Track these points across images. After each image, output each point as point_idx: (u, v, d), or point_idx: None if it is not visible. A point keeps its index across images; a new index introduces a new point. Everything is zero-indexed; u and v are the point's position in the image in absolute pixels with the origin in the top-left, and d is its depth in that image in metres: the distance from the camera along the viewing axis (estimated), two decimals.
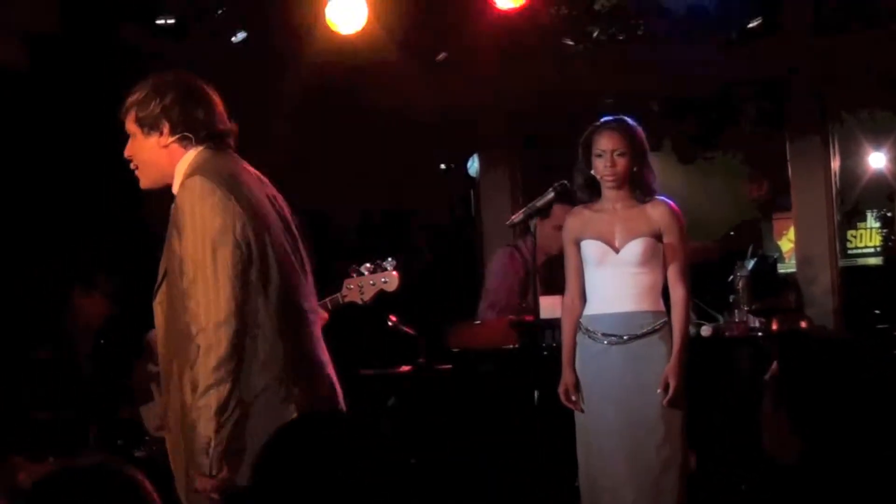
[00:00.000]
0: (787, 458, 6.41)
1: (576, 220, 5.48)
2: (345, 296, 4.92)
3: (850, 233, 8.64)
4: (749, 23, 7.55)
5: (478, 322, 6.94)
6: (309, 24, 7.35)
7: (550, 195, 5.76)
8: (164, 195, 4.02)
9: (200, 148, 3.93)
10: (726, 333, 6.63)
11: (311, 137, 8.07)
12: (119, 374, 7.05)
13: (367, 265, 4.90)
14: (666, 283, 5.38)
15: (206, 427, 3.70)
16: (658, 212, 5.38)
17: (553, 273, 6.35)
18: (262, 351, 3.80)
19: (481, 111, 8.37)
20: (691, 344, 5.41)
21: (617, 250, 5.35)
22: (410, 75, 7.65)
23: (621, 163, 5.37)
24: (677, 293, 5.35)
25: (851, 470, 6.43)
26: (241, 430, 3.74)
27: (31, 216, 7.46)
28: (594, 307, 5.40)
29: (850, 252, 8.63)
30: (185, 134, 3.92)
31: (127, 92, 4.00)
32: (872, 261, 8.63)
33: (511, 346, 6.46)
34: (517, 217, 5.89)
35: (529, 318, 6.16)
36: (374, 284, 4.90)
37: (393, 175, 8.65)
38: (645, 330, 5.31)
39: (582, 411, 5.39)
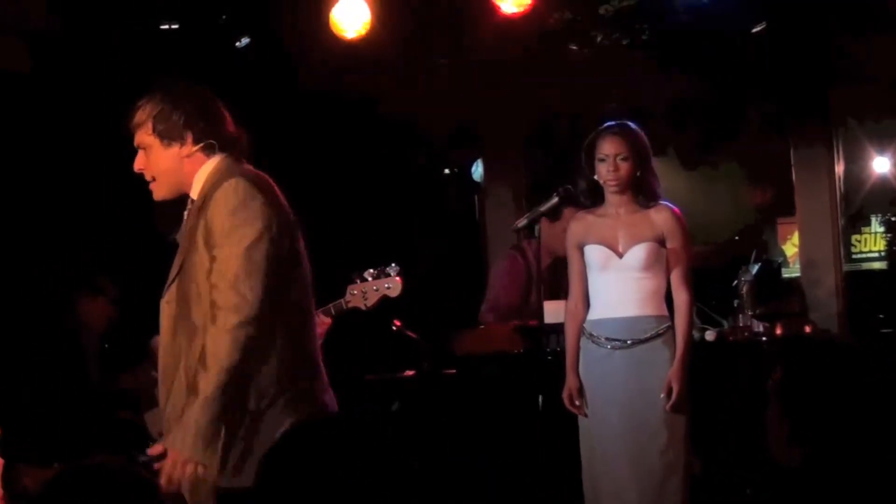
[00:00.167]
0: (791, 463, 6.40)
1: (579, 224, 5.49)
2: (348, 301, 4.93)
3: (855, 237, 8.63)
4: (754, 27, 7.55)
5: (482, 327, 6.94)
6: (313, 29, 7.36)
7: (555, 200, 5.78)
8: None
9: (223, 155, 3.99)
10: (730, 338, 6.64)
11: (315, 142, 8.08)
12: (124, 379, 7.08)
13: (371, 271, 4.92)
14: (669, 288, 5.39)
15: (204, 411, 3.67)
16: (661, 216, 5.38)
17: (557, 278, 6.36)
18: (280, 349, 3.82)
19: (486, 116, 8.37)
20: (695, 348, 5.42)
21: (620, 255, 5.36)
22: (414, 80, 7.66)
23: (624, 167, 5.37)
24: (681, 298, 5.36)
25: (856, 474, 6.41)
26: (251, 433, 3.76)
27: (32, 217, 7.47)
28: (598, 312, 5.40)
29: (854, 256, 8.62)
30: (210, 142, 3.97)
31: (133, 106, 4.02)
32: (877, 265, 8.62)
33: (515, 351, 6.47)
34: (521, 222, 5.91)
35: (533, 323, 6.16)
36: (377, 290, 4.91)
37: (397, 180, 8.66)
38: (648, 335, 5.32)
39: (585, 416, 5.40)
